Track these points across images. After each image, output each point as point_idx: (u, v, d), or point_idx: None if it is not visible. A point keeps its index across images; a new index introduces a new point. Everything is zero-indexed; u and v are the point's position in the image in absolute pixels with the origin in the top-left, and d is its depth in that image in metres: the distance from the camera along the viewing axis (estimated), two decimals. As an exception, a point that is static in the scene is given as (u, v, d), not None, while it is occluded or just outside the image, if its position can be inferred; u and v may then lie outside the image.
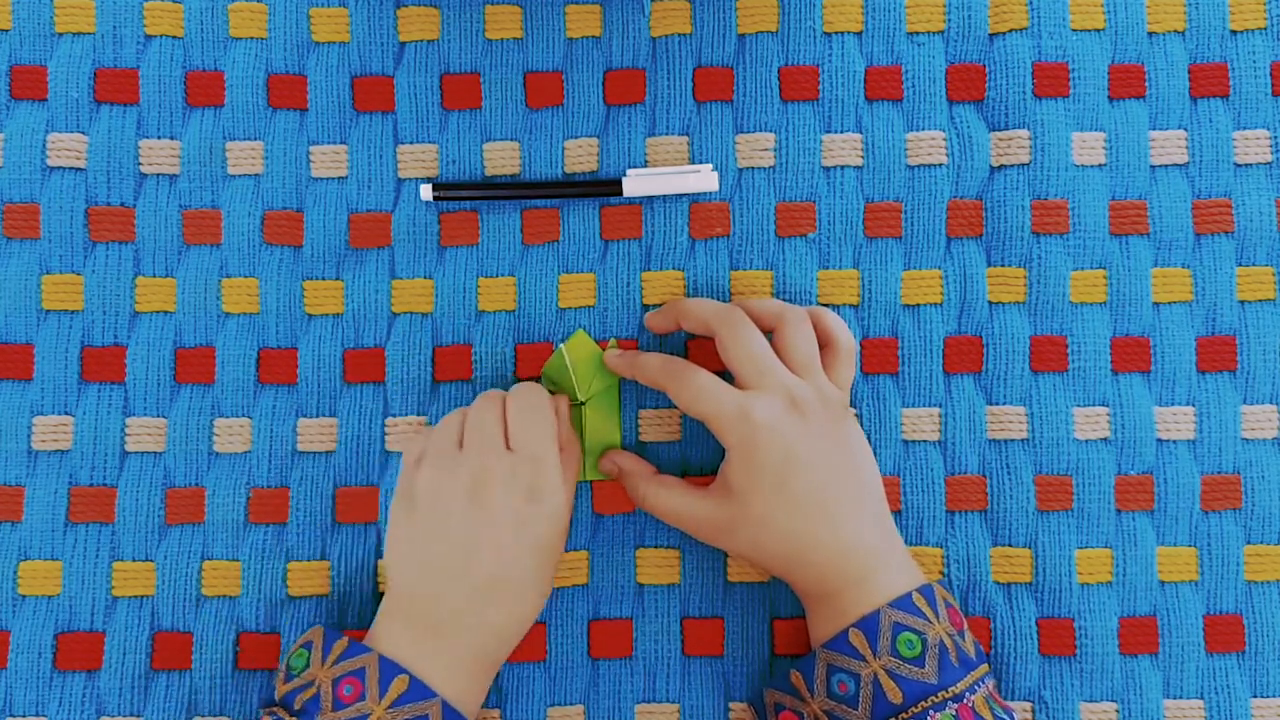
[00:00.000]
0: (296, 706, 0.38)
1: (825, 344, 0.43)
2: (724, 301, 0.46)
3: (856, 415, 0.46)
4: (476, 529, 0.40)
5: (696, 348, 0.47)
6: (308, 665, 0.39)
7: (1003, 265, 0.47)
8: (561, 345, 0.46)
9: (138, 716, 0.44)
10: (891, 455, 0.46)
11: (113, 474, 0.46)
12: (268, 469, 0.46)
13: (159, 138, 0.47)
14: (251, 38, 0.48)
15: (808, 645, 0.44)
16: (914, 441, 0.46)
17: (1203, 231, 0.47)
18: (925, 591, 0.40)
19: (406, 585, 0.41)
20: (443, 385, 0.46)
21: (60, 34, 0.47)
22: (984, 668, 0.39)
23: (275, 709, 0.38)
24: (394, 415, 0.46)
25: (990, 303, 0.47)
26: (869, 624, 0.38)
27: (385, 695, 0.38)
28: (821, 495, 0.40)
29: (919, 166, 0.47)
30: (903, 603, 0.39)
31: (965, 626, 0.40)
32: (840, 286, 0.47)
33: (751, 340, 0.41)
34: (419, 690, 0.38)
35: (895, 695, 0.37)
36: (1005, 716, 0.38)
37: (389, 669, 0.38)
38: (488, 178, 0.47)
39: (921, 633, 0.38)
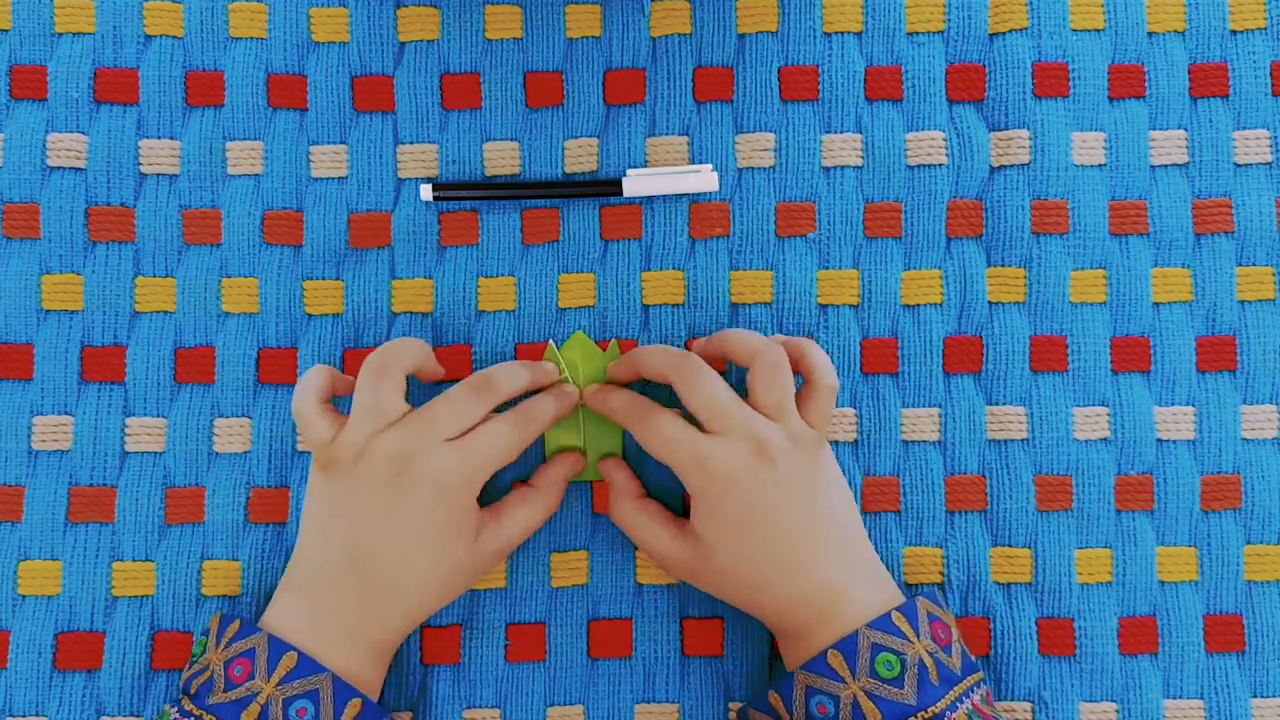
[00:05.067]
0: (192, 691, 0.39)
1: (804, 379, 0.43)
2: (723, 321, 0.46)
3: (856, 415, 0.46)
4: (388, 509, 0.39)
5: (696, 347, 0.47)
6: (205, 651, 0.40)
7: (1003, 265, 0.47)
8: (571, 341, 0.46)
9: (138, 716, 0.44)
10: (891, 455, 0.46)
11: (113, 474, 0.46)
12: (268, 469, 0.46)
13: (159, 138, 0.47)
14: (251, 38, 0.48)
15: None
16: (914, 441, 0.46)
17: (1203, 231, 0.47)
18: (907, 609, 0.39)
19: (302, 547, 0.41)
20: (444, 385, 0.46)
21: (60, 34, 0.47)
22: (972, 678, 0.39)
23: (181, 701, 0.39)
24: (394, 415, 0.46)
25: (990, 303, 0.47)
26: (848, 645, 0.38)
27: (274, 673, 0.38)
28: (782, 544, 0.40)
29: (919, 166, 0.47)
30: (882, 623, 0.38)
31: (955, 638, 0.40)
32: (840, 286, 0.47)
33: (706, 387, 0.40)
34: (308, 666, 0.38)
35: (874, 717, 0.37)
36: None
37: (278, 647, 0.38)
38: (488, 178, 0.47)
39: (900, 653, 0.38)
